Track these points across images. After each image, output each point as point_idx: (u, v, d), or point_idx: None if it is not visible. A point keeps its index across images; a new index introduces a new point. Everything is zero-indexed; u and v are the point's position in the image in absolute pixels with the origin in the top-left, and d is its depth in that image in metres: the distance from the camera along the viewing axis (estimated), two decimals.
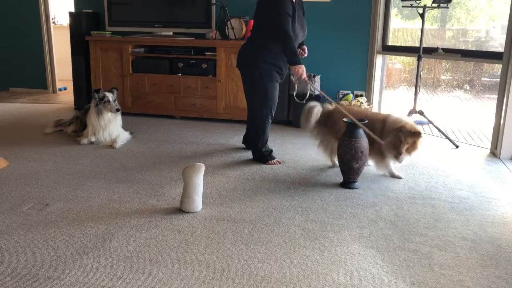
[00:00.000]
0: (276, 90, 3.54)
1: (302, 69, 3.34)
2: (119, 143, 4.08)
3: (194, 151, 3.98)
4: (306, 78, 3.42)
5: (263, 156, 3.64)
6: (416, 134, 3.11)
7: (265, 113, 3.55)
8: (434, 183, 3.26)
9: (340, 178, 3.25)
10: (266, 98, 3.50)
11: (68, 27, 5.60)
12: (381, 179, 3.33)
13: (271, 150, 3.70)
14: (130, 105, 5.31)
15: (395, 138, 3.14)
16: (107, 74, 5.34)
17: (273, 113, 3.61)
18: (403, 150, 3.14)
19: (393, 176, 3.38)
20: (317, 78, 4.87)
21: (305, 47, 3.69)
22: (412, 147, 3.16)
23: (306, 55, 3.71)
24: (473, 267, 2.17)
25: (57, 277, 2.02)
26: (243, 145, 4.06)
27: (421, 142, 3.16)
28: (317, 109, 3.46)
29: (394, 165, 3.37)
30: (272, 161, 3.63)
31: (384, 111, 5.31)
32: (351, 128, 3.09)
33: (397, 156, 3.17)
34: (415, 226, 2.58)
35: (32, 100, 6.23)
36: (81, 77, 5.56)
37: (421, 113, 4.36)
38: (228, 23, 4.95)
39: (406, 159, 3.25)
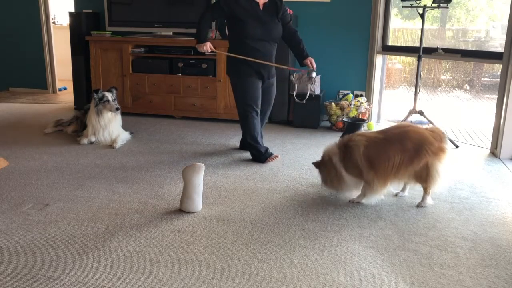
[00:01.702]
0: (253, 84, 3.58)
1: (205, 47, 3.56)
2: (119, 143, 4.08)
3: (194, 151, 3.98)
4: (208, 50, 3.59)
5: (261, 155, 3.66)
6: None
7: (247, 109, 3.61)
8: None
9: None
10: (244, 92, 3.58)
11: (68, 27, 5.60)
12: None
13: (267, 148, 3.73)
14: (130, 105, 5.30)
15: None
16: (107, 74, 5.34)
17: (257, 108, 3.66)
18: None
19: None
20: (317, 78, 4.86)
21: (310, 59, 3.71)
22: None
23: (314, 67, 3.73)
24: (473, 267, 2.17)
25: (57, 277, 2.02)
26: (242, 149, 4.05)
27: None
28: None
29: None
30: (271, 157, 3.68)
31: (385, 112, 5.32)
32: (351, 128, 3.08)
33: None
34: (415, 226, 2.58)
35: (32, 100, 6.23)
36: (81, 77, 5.56)
37: (421, 113, 4.37)
38: None
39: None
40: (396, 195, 3.02)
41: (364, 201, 2.87)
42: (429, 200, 2.88)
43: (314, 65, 3.73)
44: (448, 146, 2.84)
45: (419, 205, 2.87)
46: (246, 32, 3.51)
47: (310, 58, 3.73)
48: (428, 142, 2.74)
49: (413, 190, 3.11)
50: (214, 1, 3.53)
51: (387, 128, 2.94)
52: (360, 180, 2.82)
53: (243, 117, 3.66)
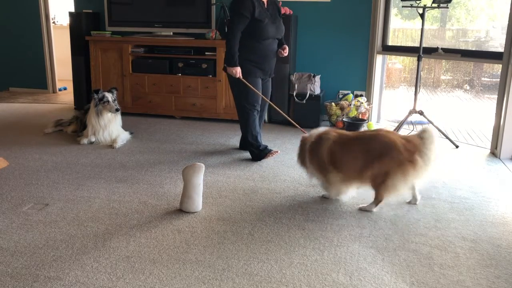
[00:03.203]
0: (256, 85, 3.60)
1: (235, 71, 3.48)
2: (119, 143, 4.08)
3: (194, 151, 3.98)
4: (241, 77, 3.52)
5: (259, 151, 3.67)
6: None
7: (248, 107, 3.63)
8: (434, 183, 3.26)
9: None
10: (247, 93, 3.58)
11: (68, 27, 5.60)
12: None
13: (266, 146, 3.76)
14: (130, 105, 5.30)
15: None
16: (107, 74, 5.34)
17: (257, 106, 3.68)
18: None
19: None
20: (317, 78, 4.86)
21: (285, 46, 3.77)
22: None
23: (286, 54, 3.77)
24: (473, 267, 2.17)
25: (57, 277, 2.02)
26: (241, 149, 4.05)
27: None
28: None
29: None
30: (270, 153, 3.71)
31: (385, 112, 5.32)
32: (351, 128, 3.08)
33: None
34: (415, 226, 2.58)
35: (32, 100, 6.23)
36: (81, 77, 5.56)
37: (421, 113, 4.36)
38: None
39: None
40: (409, 202, 2.90)
41: (371, 208, 2.76)
42: (374, 208, 2.76)
43: (286, 52, 3.76)
44: (428, 156, 2.62)
45: (361, 208, 2.79)
46: (263, 32, 3.49)
47: (284, 45, 3.79)
48: (396, 150, 2.61)
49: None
50: (233, 13, 3.41)
51: (364, 130, 2.92)
52: (319, 173, 2.87)
53: (245, 117, 3.67)
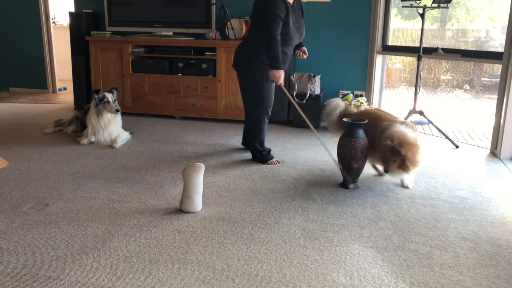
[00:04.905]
0: (272, 90, 3.55)
1: (279, 74, 3.32)
2: (119, 143, 4.08)
3: (194, 151, 3.98)
4: (283, 84, 3.41)
5: (262, 156, 3.64)
6: (401, 154, 2.85)
7: (261, 112, 3.56)
8: (434, 183, 3.26)
9: (340, 178, 3.25)
10: (262, 98, 3.52)
11: (68, 27, 5.60)
12: (381, 180, 3.33)
13: (269, 150, 3.71)
14: (130, 105, 5.30)
15: (384, 153, 2.94)
16: (107, 74, 5.34)
17: (269, 113, 3.63)
18: (390, 168, 2.95)
19: (402, 185, 3.19)
20: (317, 78, 4.86)
21: (304, 48, 3.70)
22: (402, 166, 2.90)
23: (306, 56, 3.71)
24: (473, 267, 2.17)
25: (57, 277, 2.02)
26: (242, 146, 4.06)
27: (411, 161, 2.89)
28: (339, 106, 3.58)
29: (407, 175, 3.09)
30: (272, 160, 3.64)
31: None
32: (351, 128, 3.08)
33: (386, 171, 3.02)
34: (415, 226, 2.58)
35: (32, 100, 6.23)
36: (81, 77, 5.56)
37: (421, 113, 4.36)
38: (228, 23, 4.95)
39: (405, 175, 3.08)
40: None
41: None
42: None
43: (306, 54, 3.70)
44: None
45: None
46: (288, 40, 3.36)
47: (303, 47, 3.70)
48: None
49: (412, 190, 3.11)
50: (269, 15, 3.20)
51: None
52: None
53: (257, 122, 3.58)
